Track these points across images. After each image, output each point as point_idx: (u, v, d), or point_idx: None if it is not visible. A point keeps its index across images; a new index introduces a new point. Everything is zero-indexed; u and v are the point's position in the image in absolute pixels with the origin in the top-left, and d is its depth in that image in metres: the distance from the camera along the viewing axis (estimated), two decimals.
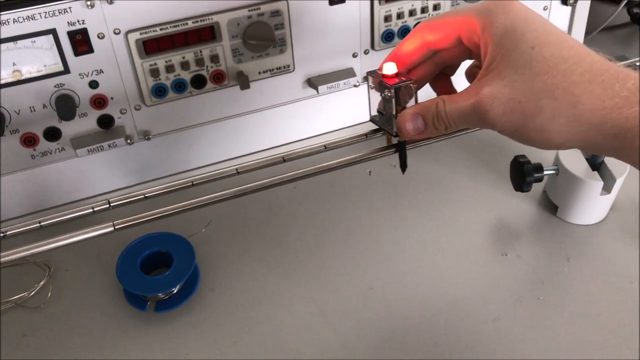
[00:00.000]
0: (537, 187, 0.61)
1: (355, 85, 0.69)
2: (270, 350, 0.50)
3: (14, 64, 0.53)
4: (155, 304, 0.53)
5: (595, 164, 0.58)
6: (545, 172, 0.58)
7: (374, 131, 0.45)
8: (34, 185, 0.61)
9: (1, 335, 0.52)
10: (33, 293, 0.56)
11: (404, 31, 0.67)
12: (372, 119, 0.44)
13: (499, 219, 0.62)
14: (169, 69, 0.59)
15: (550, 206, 0.62)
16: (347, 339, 0.51)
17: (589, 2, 0.75)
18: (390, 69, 0.40)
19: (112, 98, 0.59)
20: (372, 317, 0.52)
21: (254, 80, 0.63)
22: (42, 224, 0.38)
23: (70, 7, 0.53)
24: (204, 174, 0.41)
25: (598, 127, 0.33)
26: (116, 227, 0.38)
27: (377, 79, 0.41)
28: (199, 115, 0.64)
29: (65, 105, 0.56)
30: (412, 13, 0.66)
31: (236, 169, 0.42)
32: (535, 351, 0.49)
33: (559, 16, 0.74)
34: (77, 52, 0.55)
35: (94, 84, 0.57)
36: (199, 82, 0.61)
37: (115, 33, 0.56)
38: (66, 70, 0.55)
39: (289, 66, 0.65)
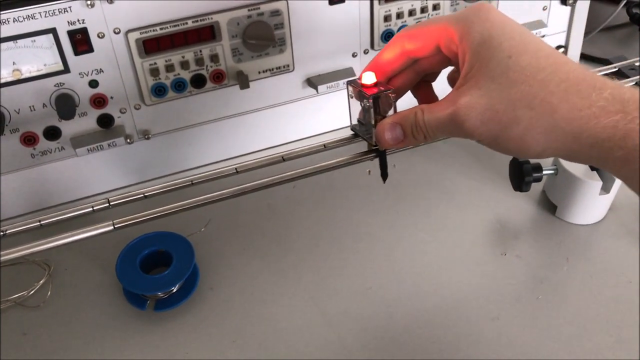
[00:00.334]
0: (536, 187, 0.61)
1: None
2: (269, 349, 0.50)
3: (14, 63, 0.53)
4: (155, 303, 0.53)
5: None
6: (544, 172, 0.58)
7: None
8: (33, 185, 0.61)
9: (1, 334, 0.52)
10: (33, 292, 0.56)
11: None
12: (353, 128, 0.44)
13: (498, 218, 0.62)
14: (169, 68, 0.59)
15: (549, 206, 0.62)
16: (345, 338, 0.51)
17: (588, 2, 0.75)
18: (369, 78, 0.40)
19: (112, 97, 0.59)
20: (371, 316, 0.52)
21: (254, 79, 0.64)
22: (41, 223, 0.38)
23: (70, 7, 0.53)
24: (203, 173, 0.41)
25: (575, 137, 0.32)
26: (116, 226, 0.38)
27: (356, 89, 0.41)
28: (198, 114, 0.64)
29: (65, 105, 0.56)
30: (411, 13, 0.66)
31: (235, 169, 0.42)
32: (534, 350, 0.49)
33: (559, 16, 0.74)
34: (77, 52, 0.55)
35: (93, 84, 0.57)
36: (198, 82, 0.61)
37: (115, 32, 0.56)
38: (66, 70, 0.55)
39: (288, 66, 0.65)
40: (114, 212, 0.39)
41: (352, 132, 0.44)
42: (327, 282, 0.56)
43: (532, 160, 0.57)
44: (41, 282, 0.56)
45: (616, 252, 0.57)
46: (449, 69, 0.42)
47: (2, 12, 0.51)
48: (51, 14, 0.52)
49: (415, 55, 0.40)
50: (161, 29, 0.57)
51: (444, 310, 0.52)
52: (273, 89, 0.66)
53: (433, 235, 0.60)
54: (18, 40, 0.52)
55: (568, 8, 0.74)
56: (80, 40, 0.55)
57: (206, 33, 0.59)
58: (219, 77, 0.62)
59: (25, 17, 0.52)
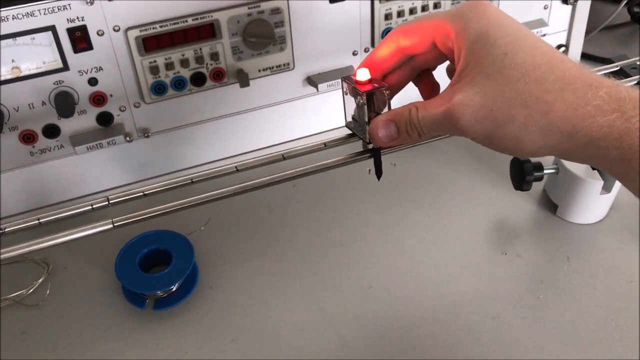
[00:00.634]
0: (537, 186, 0.61)
1: None
2: (268, 348, 0.50)
3: (13, 61, 0.53)
4: (154, 302, 0.53)
5: None
6: (545, 171, 0.58)
7: None
8: (32, 183, 0.61)
9: (0, 332, 0.52)
10: (32, 290, 0.55)
11: None
12: (347, 125, 0.43)
13: (499, 218, 0.62)
14: (169, 66, 0.59)
15: (550, 205, 0.62)
16: (345, 337, 0.51)
17: (590, 1, 0.74)
18: (363, 75, 0.40)
19: (111, 95, 0.59)
20: (371, 315, 0.52)
21: (254, 78, 0.63)
22: (40, 221, 0.37)
23: (69, 4, 0.53)
24: (203, 171, 0.41)
25: (570, 136, 0.32)
26: (115, 225, 0.37)
27: (350, 85, 0.41)
28: (198, 113, 0.64)
29: (65, 103, 0.56)
30: (412, 11, 0.66)
31: (235, 167, 0.41)
32: (534, 350, 0.49)
33: (560, 15, 0.74)
34: (76, 49, 0.55)
35: (93, 81, 0.57)
36: (198, 80, 0.61)
37: (114, 30, 0.55)
38: (65, 67, 0.55)
39: (288, 64, 0.65)
40: (113, 211, 0.39)
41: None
42: (327, 281, 0.56)
43: (533, 159, 0.57)
44: (40, 280, 0.56)
45: (617, 252, 0.57)
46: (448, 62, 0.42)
47: (1, 10, 0.50)
48: (50, 12, 0.52)
49: (411, 52, 0.40)
50: (161, 26, 0.57)
51: (444, 309, 0.52)
52: (273, 88, 0.66)
53: (433, 234, 0.60)
54: (17, 38, 0.52)
55: (569, 7, 0.74)
56: (80, 38, 0.54)
57: (206, 31, 0.58)
58: (219, 75, 0.61)
59: (24, 14, 0.52)
